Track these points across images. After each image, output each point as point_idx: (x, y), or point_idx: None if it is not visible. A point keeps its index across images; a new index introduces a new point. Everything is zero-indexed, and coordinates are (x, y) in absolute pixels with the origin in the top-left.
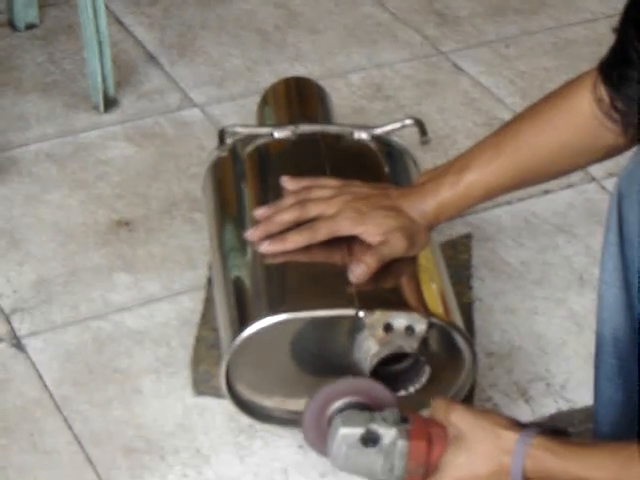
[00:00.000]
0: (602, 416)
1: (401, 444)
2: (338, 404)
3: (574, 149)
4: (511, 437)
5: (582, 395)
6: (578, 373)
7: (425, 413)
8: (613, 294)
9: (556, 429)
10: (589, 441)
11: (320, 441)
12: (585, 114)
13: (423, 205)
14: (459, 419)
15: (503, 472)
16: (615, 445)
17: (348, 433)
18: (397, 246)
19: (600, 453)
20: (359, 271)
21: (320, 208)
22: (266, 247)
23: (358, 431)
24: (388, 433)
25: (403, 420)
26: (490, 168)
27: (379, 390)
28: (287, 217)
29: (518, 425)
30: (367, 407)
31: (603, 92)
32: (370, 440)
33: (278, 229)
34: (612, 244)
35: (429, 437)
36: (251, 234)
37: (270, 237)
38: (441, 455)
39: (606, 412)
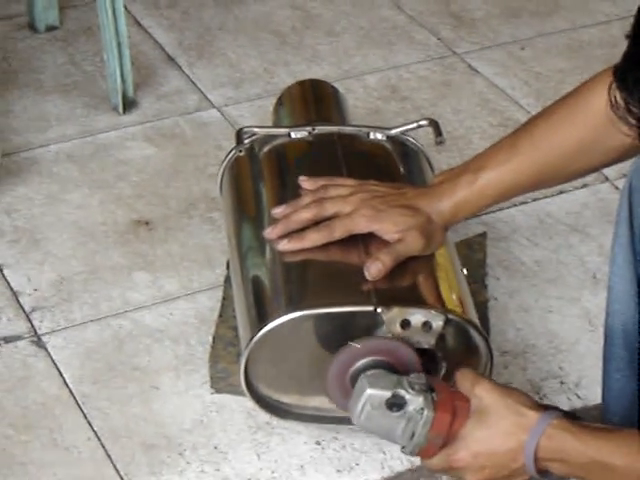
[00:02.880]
0: (612, 407)
1: (426, 414)
2: (364, 361)
3: (590, 147)
4: (533, 416)
5: (595, 393)
6: (591, 371)
7: None
8: (623, 286)
9: (575, 415)
10: (609, 426)
11: (341, 396)
12: (601, 112)
13: (440, 204)
14: (485, 393)
15: (520, 449)
16: (635, 431)
17: (375, 394)
18: (413, 244)
19: (619, 438)
20: (375, 268)
21: (337, 206)
22: (284, 245)
23: (385, 394)
24: (415, 400)
25: (430, 389)
26: (507, 167)
27: (407, 353)
28: (305, 215)
29: (542, 406)
30: (393, 368)
31: (618, 97)
32: (395, 405)
33: (296, 227)
34: (622, 237)
35: (454, 410)
36: (270, 232)
37: (288, 235)
38: (461, 427)
39: (616, 404)
